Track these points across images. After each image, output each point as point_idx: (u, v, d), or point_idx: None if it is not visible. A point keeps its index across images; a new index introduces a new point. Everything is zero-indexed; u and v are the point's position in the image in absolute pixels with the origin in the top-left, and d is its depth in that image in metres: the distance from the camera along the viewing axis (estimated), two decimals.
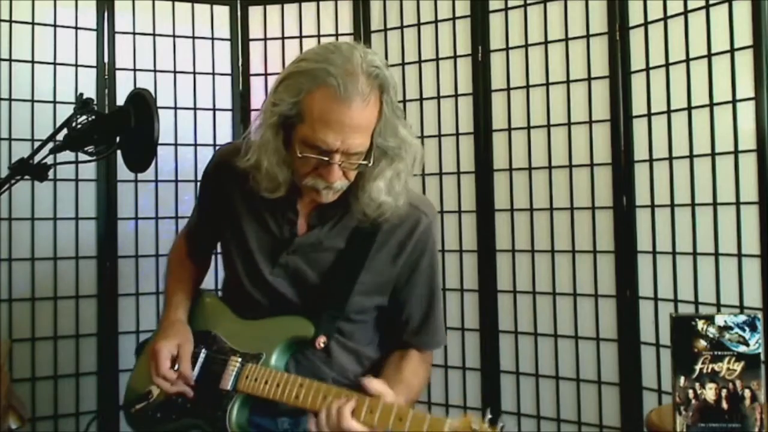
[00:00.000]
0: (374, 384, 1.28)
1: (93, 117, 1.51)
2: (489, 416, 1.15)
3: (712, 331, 1.53)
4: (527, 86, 2.52)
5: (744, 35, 2.05)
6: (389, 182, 1.37)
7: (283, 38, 2.83)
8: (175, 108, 2.76)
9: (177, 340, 1.47)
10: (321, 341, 1.41)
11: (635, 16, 2.31)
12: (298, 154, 1.31)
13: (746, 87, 2.05)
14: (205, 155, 2.77)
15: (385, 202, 1.38)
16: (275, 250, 1.47)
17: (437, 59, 2.67)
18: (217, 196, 1.54)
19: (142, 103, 1.51)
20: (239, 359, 1.44)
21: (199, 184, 1.66)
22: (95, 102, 1.54)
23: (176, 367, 1.46)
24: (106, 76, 2.65)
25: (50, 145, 1.52)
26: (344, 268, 1.43)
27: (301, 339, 1.43)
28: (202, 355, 1.49)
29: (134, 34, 2.71)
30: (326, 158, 1.29)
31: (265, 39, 2.84)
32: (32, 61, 2.56)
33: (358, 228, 1.43)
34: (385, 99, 1.31)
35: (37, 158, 1.49)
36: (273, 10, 2.84)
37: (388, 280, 1.47)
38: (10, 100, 2.51)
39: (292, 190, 1.42)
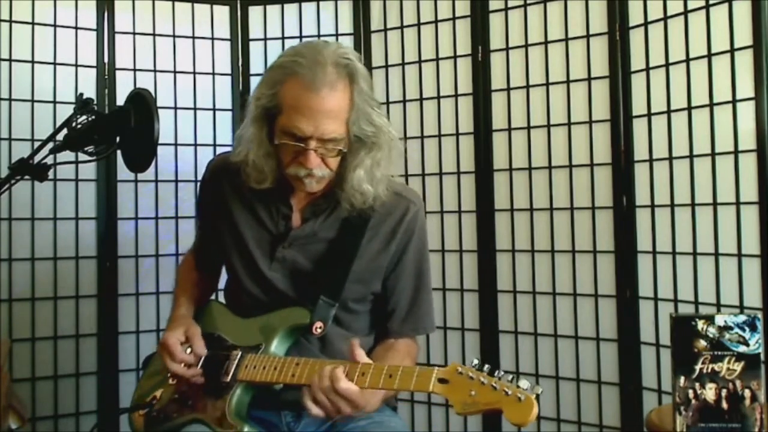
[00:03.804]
0: (360, 353, 1.32)
1: (93, 117, 1.52)
2: (474, 362, 1.20)
3: (712, 331, 1.53)
4: (527, 86, 2.52)
5: (744, 35, 2.05)
6: (369, 170, 1.45)
7: (283, 38, 2.83)
8: (175, 108, 2.76)
9: (183, 327, 1.53)
10: (317, 326, 1.46)
11: (635, 16, 2.31)
12: (276, 142, 1.40)
13: (746, 87, 2.04)
14: (205, 155, 2.77)
15: (366, 190, 1.45)
16: (272, 245, 1.52)
17: (437, 59, 2.67)
18: (214, 202, 1.60)
19: (142, 103, 1.52)
20: (239, 352, 1.48)
21: (196, 198, 1.70)
22: (95, 102, 1.55)
23: (189, 351, 1.50)
24: (106, 76, 2.64)
25: (50, 145, 1.52)
26: (338, 257, 1.49)
27: (298, 327, 1.47)
28: (205, 354, 1.52)
29: (134, 34, 2.71)
30: (302, 144, 1.38)
31: (265, 39, 2.84)
32: (32, 61, 2.56)
33: (349, 218, 1.50)
34: (355, 88, 1.39)
35: (37, 158, 1.49)
36: (273, 10, 2.84)
37: (380, 266, 1.53)
38: (10, 100, 2.51)
39: (284, 184, 1.49)
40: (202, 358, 1.51)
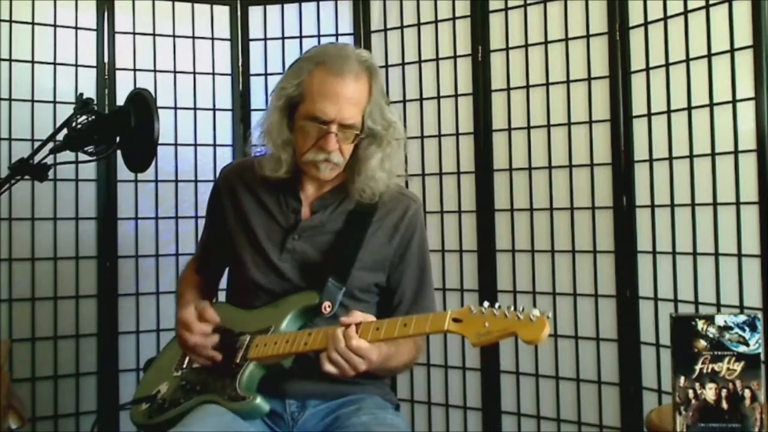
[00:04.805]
0: (357, 314, 1.39)
1: (93, 117, 1.52)
2: (485, 304, 1.28)
3: (712, 331, 1.53)
4: (527, 86, 2.52)
5: (744, 35, 2.05)
6: (380, 162, 1.56)
7: (283, 38, 2.83)
8: (175, 108, 2.76)
9: (192, 304, 1.58)
10: (326, 305, 1.52)
11: (635, 16, 2.31)
12: (300, 124, 1.51)
13: (746, 87, 2.05)
14: (205, 155, 2.78)
15: (380, 177, 1.56)
16: (282, 237, 1.59)
17: (437, 59, 2.67)
18: (226, 202, 1.67)
19: (142, 103, 1.52)
20: (248, 337, 1.52)
21: (207, 201, 1.76)
22: (95, 102, 1.55)
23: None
24: (106, 76, 2.65)
25: (50, 145, 1.53)
26: (344, 246, 1.57)
27: (308, 307, 1.52)
28: (219, 320, 1.55)
29: (134, 34, 2.71)
30: (325, 127, 1.49)
31: (265, 39, 2.84)
32: (32, 61, 2.56)
33: (355, 211, 1.60)
34: (374, 83, 1.53)
35: (37, 158, 1.49)
36: (273, 10, 2.84)
37: (384, 257, 1.61)
38: (10, 100, 2.51)
39: (295, 178, 1.59)
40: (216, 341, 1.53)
